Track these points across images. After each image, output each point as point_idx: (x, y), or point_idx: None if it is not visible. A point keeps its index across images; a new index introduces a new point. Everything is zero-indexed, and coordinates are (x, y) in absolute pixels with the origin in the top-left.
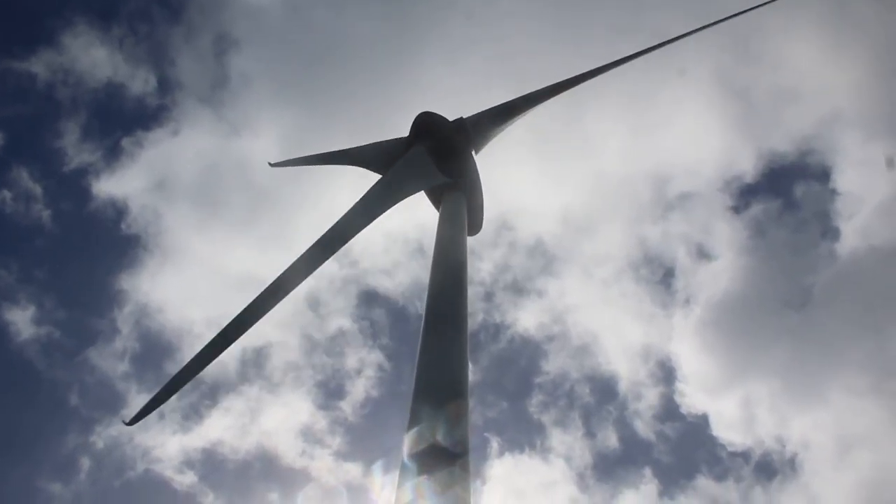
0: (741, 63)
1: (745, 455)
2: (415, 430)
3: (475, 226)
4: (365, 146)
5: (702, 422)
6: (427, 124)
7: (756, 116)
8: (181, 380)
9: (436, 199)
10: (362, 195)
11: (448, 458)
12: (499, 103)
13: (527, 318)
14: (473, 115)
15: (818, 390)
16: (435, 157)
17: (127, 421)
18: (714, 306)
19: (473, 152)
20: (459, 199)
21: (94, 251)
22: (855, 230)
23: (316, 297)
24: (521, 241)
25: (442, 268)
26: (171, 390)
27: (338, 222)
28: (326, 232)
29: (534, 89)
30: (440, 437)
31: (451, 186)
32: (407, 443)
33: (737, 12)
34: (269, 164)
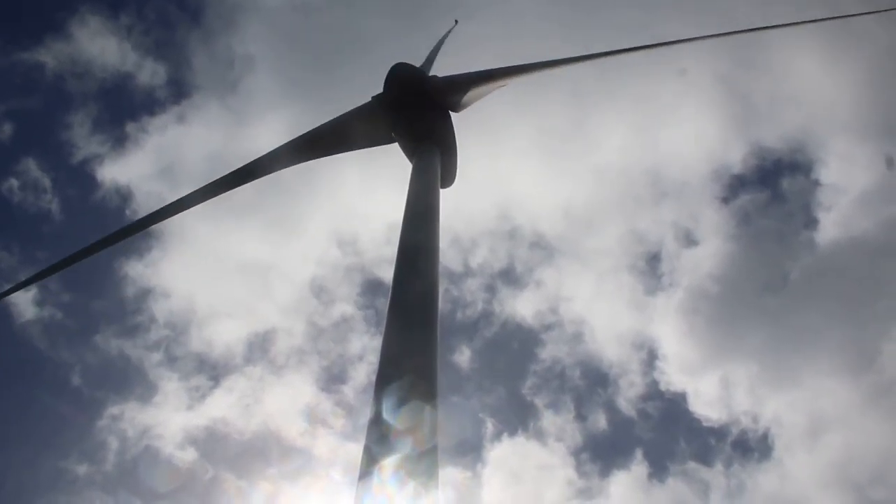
0: (740, 67)
1: (723, 434)
2: (378, 414)
3: (449, 178)
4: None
5: (684, 401)
6: (399, 77)
7: (751, 116)
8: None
9: (410, 153)
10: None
11: (414, 448)
12: (479, 69)
13: (524, 307)
14: (450, 76)
15: (793, 372)
16: (407, 109)
17: None
18: (697, 291)
19: (451, 111)
20: (433, 153)
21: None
22: (835, 221)
23: (320, 284)
24: (522, 231)
25: (414, 222)
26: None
27: (257, 159)
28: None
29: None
30: (405, 423)
31: (426, 140)
32: (368, 430)
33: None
34: None
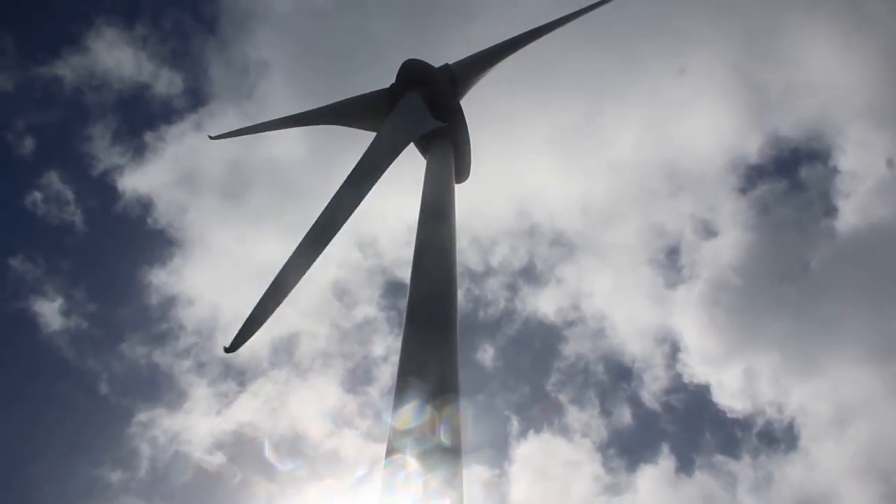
0: (754, 57)
1: (748, 425)
2: (400, 411)
3: (463, 173)
4: (342, 102)
5: (708, 393)
6: (414, 71)
7: (767, 106)
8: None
9: (423, 148)
10: (363, 154)
11: (438, 446)
12: (483, 49)
13: (545, 304)
14: (460, 62)
15: (817, 361)
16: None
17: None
18: (718, 282)
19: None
20: (447, 147)
21: (122, 246)
22: (854, 209)
23: (342, 287)
24: (541, 229)
25: (429, 218)
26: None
27: (345, 184)
28: (333, 199)
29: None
30: (428, 419)
31: (439, 134)
32: (391, 428)
33: None
34: (210, 136)
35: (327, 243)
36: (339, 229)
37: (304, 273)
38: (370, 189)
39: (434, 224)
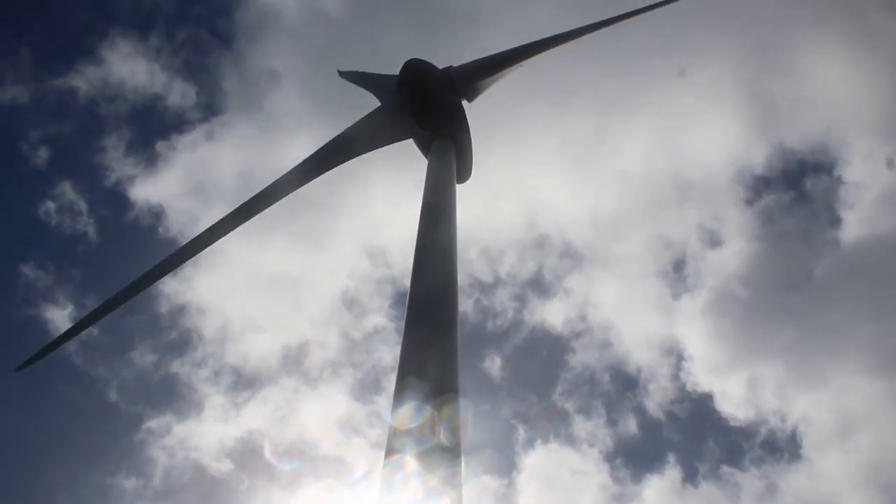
0: (761, 69)
1: (752, 434)
2: (400, 411)
3: (464, 173)
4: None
5: (713, 403)
6: (412, 73)
7: (774, 118)
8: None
9: (425, 149)
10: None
11: (438, 446)
12: (491, 54)
13: (553, 314)
14: (464, 64)
15: (821, 371)
16: (420, 106)
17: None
18: (723, 292)
19: (464, 101)
20: (448, 148)
21: (133, 255)
22: (858, 219)
23: (352, 296)
24: (550, 240)
25: (430, 219)
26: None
27: (282, 177)
28: (267, 187)
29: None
30: (427, 420)
31: (440, 134)
32: (391, 428)
33: None
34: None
35: (250, 217)
36: (264, 209)
37: (218, 238)
38: (315, 178)
39: (435, 224)
